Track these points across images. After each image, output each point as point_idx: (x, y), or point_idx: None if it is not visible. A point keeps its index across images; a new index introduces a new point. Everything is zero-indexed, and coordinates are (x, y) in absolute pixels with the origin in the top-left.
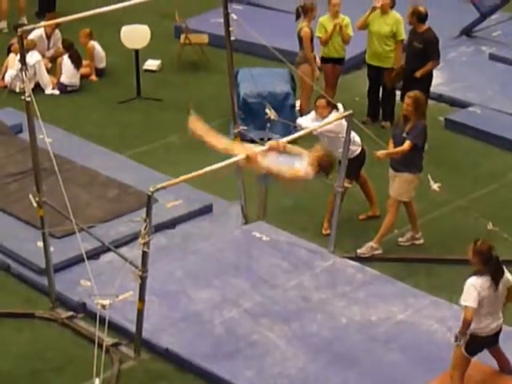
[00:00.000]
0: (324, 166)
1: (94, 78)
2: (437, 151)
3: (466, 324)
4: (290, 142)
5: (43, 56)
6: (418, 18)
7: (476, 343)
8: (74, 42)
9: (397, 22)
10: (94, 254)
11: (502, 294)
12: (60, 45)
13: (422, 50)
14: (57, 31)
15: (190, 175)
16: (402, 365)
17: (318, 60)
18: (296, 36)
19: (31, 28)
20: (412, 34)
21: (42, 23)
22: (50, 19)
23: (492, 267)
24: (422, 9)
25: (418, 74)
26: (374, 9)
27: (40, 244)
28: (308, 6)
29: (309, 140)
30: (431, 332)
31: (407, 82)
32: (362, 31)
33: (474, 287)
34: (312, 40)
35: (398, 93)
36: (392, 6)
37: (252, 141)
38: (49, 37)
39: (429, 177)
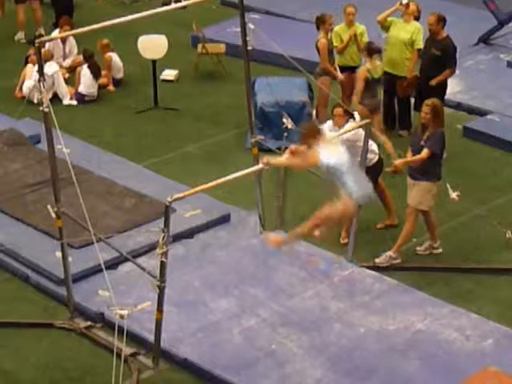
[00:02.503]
0: (307, 133)
1: (111, 88)
2: (455, 160)
3: None
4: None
5: (60, 66)
6: (444, 24)
7: None
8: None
9: (417, 30)
10: (112, 264)
11: None
12: (75, 51)
13: (440, 57)
14: (71, 37)
15: (207, 185)
16: (421, 374)
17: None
18: (315, 47)
19: (49, 39)
20: (430, 41)
21: (57, 31)
22: (63, 24)
23: None
24: (443, 14)
25: (434, 82)
26: (400, 4)
27: (58, 254)
28: (322, 17)
29: None
30: (450, 341)
31: (422, 89)
32: (379, 40)
33: None
34: (332, 51)
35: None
36: (417, 18)
37: (269, 150)
38: (64, 41)
39: (447, 185)
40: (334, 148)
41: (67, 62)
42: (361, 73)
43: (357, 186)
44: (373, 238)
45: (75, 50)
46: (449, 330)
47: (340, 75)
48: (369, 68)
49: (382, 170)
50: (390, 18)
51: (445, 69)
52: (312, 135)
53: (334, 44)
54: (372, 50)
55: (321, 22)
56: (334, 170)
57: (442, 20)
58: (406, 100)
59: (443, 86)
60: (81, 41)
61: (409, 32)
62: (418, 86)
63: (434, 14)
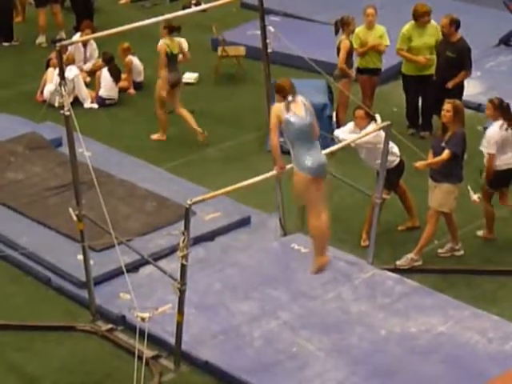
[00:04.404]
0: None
1: (131, 91)
2: (476, 161)
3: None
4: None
5: (81, 69)
6: (457, 26)
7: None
8: (113, 55)
9: (438, 30)
10: (133, 267)
11: None
12: (96, 55)
13: (455, 59)
14: (92, 41)
15: (227, 189)
16: (442, 377)
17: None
18: (336, 50)
19: (69, 43)
20: (444, 44)
21: (79, 35)
22: (85, 27)
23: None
24: (456, 17)
25: (450, 84)
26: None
27: (80, 257)
28: (345, 20)
29: (346, 151)
30: (471, 344)
31: (439, 91)
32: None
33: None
34: (352, 54)
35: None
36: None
37: (289, 152)
38: (85, 45)
39: (468, 187)
40: (299, 109)
41: (88, 66)
42: (161, 47)
43: (309, 157)
44: (394, 241)
45: (96, 54)
46: (470, 333)
47: (353, 75)
48: (168, 43)
49: (404, 172)
50: (405, 29)
51: (460, 71)
52: (280, 91)
53: (354, 46)
54: (172, 29)
55: (344, 25)
56: (293, 126)
57: (454, 22)
58: (433, 101)
59: (459, 87)
60: (101, 44)
61: (432, 35)
62: (434, 88)
63: (447, 16)
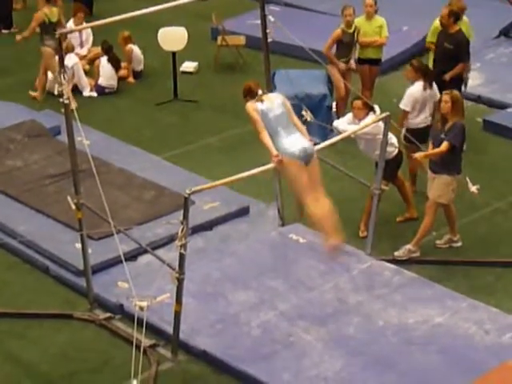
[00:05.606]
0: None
1: (131, 80)
2: (475, 153)
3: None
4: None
5: (78, 54)
6: (456, 18)
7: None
8: (112, 44)
9: (468, 26)
10: (131, 256)
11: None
12: (91, 39)
13: (453, 51)
14: (85, 24)
15: (226, 180)
16: (440, 368)
17: (353, 63)
18: None
19: (69, 31)
20: (443, 35)
21: (71, 20)
22: (77, 11)
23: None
24: (456, 8)
25: (448, 76)
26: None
27: (78, 246)
28: (342, 9)
29: (345, 141)
30: (469, 335)
31: (436, 83)
32: (400, 33)
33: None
34: (344, 43)
35: None
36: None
37: None
38: (80, 30)
39: (467, 179)
40: (271, 101)
41: (84, 50)
42: (38, 16)
43: (289, 142)
44: (392, 232)
45: (91, 38)
46: (468, 324)
47: (342, 65)
48: (46, 12)
49: (402, 163)
50: (438, 23)
51: (458, 63)
52: (248, 93)
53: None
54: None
55: (341, 14)
56: (267, 117)
57: (453, 14)
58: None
59: (457, 79)
60: (100, 33)
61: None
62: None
63: (446, 7)
